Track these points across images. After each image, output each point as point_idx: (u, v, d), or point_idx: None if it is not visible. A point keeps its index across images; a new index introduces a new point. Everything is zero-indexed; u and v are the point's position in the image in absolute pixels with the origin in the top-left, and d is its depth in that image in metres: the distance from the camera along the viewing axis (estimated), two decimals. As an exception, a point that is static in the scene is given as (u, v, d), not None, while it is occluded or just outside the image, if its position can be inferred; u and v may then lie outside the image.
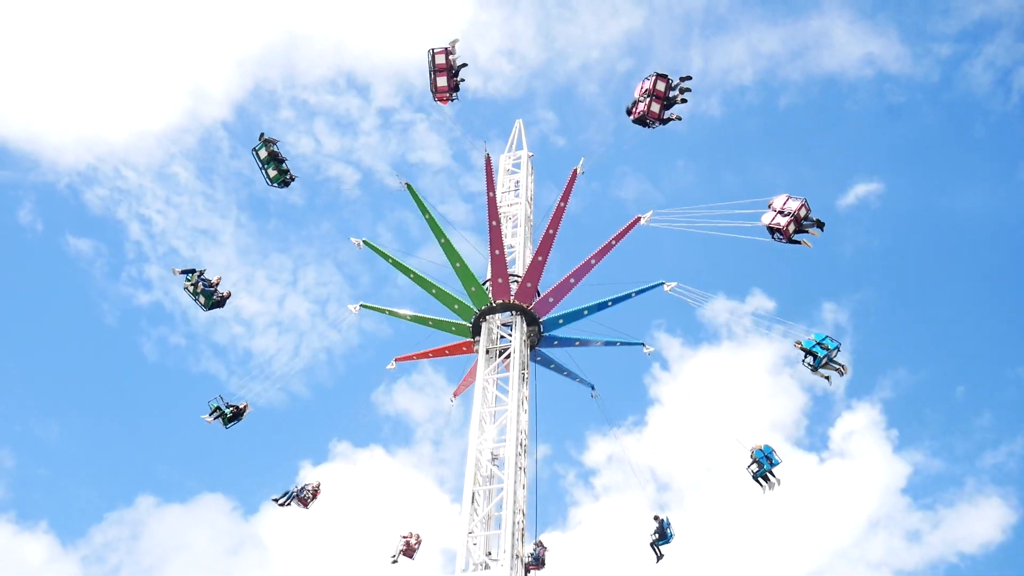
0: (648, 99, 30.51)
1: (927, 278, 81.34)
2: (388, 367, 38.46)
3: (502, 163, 40.72)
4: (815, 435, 74.86)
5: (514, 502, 29.23)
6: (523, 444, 31.12)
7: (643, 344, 36.74)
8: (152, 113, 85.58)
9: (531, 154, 40.81)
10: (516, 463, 30.22)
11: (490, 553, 28.92)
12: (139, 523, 74.55)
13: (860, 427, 74.26)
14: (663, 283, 34.06)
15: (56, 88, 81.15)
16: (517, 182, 39.82)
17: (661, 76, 30.77)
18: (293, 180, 35.20)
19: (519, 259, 36.48)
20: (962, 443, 75.59)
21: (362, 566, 34.50)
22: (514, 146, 41.31)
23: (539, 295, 34.18)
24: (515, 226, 38.01)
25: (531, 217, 39.10)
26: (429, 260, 36.14)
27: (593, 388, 36.88)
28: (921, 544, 70.31)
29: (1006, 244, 79.05)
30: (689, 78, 30.85)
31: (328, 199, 78.04)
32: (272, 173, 34.69)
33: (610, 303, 34.41)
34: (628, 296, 34.42)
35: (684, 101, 30.96)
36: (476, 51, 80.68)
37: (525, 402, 32.32)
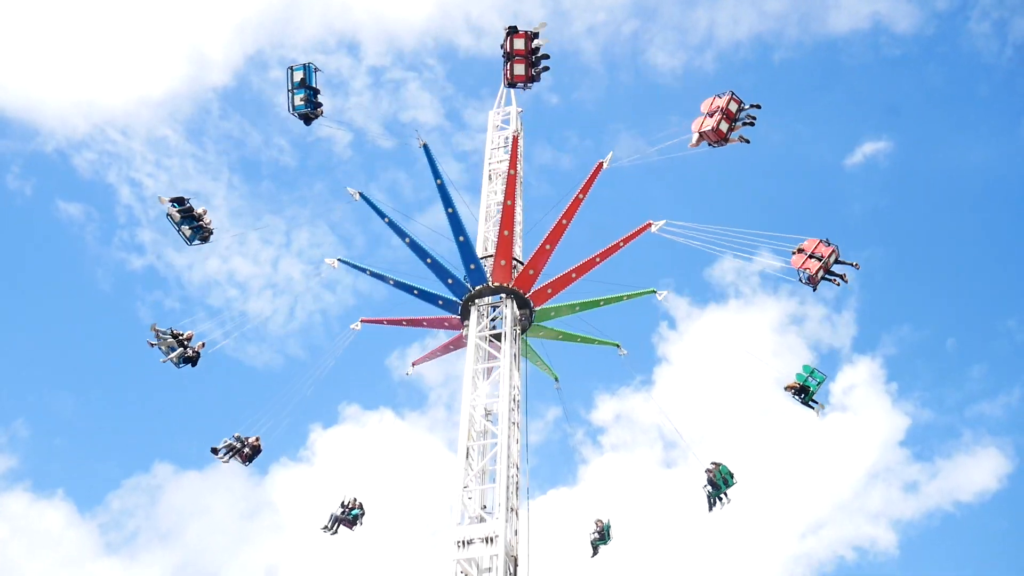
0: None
1: (933, 236, 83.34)
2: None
3: (491, 119, 41.10)
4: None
5: (508, 456, 29.76)
6: (516, 399, 31.71)
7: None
8: (152, 80, 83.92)
9: (520, 109, 41.03)
10: (509, 418, 30.80)
11: (485, 507, 29.23)
12: (157, 489, 73.85)
13: (860, 381, 76.04)
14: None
15: (55, 56, 79.59)
16: (507, 138, 40.06)
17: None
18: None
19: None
20: (960, 395, 78.14)
21: (371, 527, 33.88)
22: (503, 102, 41.45)
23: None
24: (504, 183, 38.23)
25: (521, 174, 39.22)
26: (424, 225, 36.48)
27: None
28: (919, 495, 72.54)
29: (1011, 198, 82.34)
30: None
31: (320, 159, 77.92)
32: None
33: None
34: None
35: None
36: (475, 11, 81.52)
37: (517, 358, 33.01)
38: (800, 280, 30.76)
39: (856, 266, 30.65)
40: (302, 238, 78.46)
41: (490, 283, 34.29)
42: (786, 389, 32.23)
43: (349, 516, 35.47)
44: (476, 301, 34.28)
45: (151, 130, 79.58)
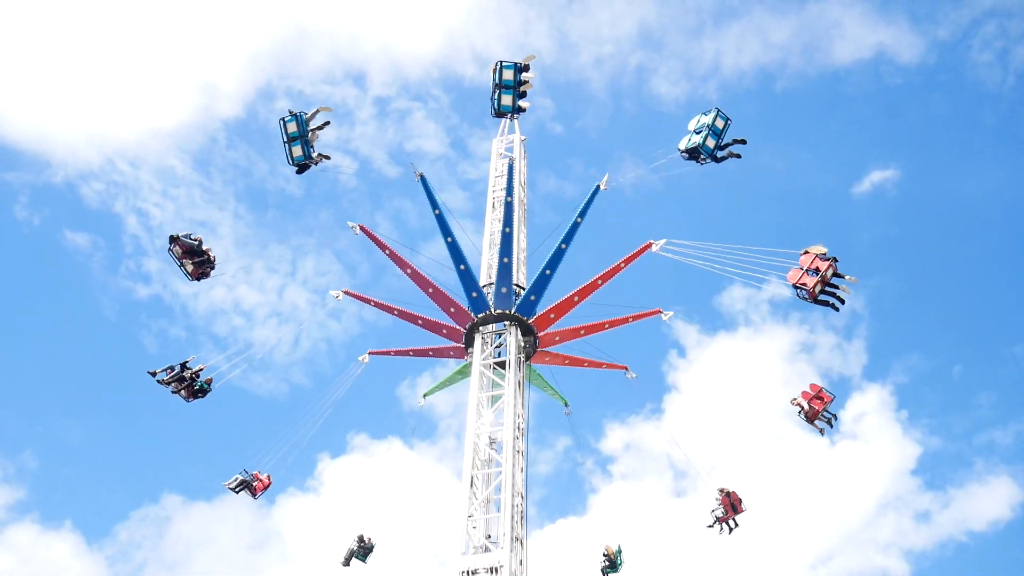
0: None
1: (942, 263, 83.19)
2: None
3: (495, 147, 41.30)
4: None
5: (512, 485, 29.59)
6: (520, 428, 31.57)
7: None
8: (164, 111, 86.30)
9: (524, 137, 41.26)
10: (514, 446, 30.67)
11: (490, 536, 29.12)
12: (165, 520, 74.97)
13: (871, 409, 75.22)
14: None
15: (68, 90, 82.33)
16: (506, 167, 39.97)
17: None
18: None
19: (514, 244, 36.38)
20: (972, 423, 77.02)
21: (379, 558, 34.19)
22: (506, 130, 41.66)
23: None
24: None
25: (524, 201, 39.62)
26: (428, 257, 36.49)
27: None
28: (930, 524, 71.74)
29: (1018, 224, 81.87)
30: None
31: (326, 188, 79.32)
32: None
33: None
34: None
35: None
36: (482, 43, 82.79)
37: (521, 385, 32.93)
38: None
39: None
40: (308, 267, 79.72)
41: (492, 311, 34.29)
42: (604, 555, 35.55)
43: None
44: (480, 329, 34.29)
45: (159, 160, 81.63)
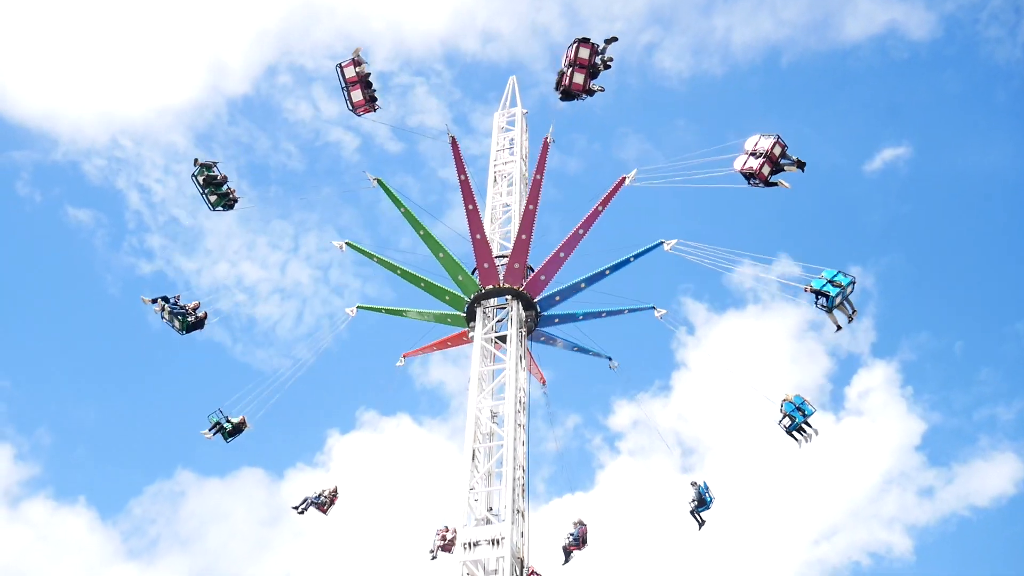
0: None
1: (952, 241, 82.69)
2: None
3: (496, 120, 40.99)
4: (836, 397, 74.07)
5: (514, 458, 29.92)
6: (522, 401, 31.81)
7: (653, 307, 36.31)
8: (173, 90, 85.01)
9: (525, 111, 40.89)
10: (515, 420, 30.93)
11: (491, 508, 29.43)
12: (179, 496, 74.66)
13: (876, 385, 75.34)
14: (662, 242, 34.21)
15: (76, 69, 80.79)
16: (512, 140, 40.00)
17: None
18: (236, 201, 35.68)
19: (514, 217, 36.90)
20: (976, 399, 77.18)
21: (384, 531, 34.13)
22: (508, 103, 41.24)
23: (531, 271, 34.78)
24: (510, 184, 38.47)
25: (526, 175, 39.12)
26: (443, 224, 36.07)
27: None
28: (934, 500, 71.99)
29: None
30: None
31: (328, 164, 78.61)
32: (212, 198, 35.18)
33: (608, 272, 34.75)
34: (627, 261, 34.69)
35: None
36: (490, 19, 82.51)
37: (523, 360, 33.07)
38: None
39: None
40: (310, 243, 78.98)
41: (501, 283, 34.34)
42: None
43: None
44: (483, 302, 34.32)
45: (161, 136, 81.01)
